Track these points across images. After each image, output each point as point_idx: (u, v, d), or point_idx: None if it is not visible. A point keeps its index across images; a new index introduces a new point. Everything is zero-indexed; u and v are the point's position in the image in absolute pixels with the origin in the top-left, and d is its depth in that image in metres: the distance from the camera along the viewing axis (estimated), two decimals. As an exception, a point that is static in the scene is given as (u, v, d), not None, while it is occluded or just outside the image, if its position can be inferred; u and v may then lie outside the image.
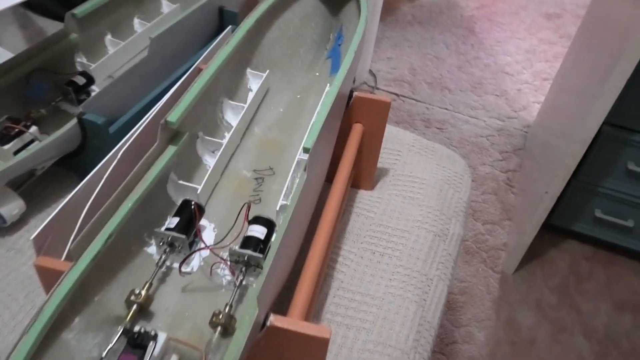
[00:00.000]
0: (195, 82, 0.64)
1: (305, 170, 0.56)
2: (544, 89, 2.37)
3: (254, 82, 0.81)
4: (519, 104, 2.30)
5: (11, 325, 0.64)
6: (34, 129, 0.76)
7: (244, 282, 0.56)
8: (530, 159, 1.87)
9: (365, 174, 0.85)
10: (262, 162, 0.73)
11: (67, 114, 0.83)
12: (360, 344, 0.64)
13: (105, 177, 0.57)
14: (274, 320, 0.47)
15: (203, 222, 0.64)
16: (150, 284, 0.53)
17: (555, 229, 1.69)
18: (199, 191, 0.62)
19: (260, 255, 0.55)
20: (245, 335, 0.43)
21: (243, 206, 0.59)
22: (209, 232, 0.63)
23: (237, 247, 0.56)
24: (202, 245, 0.56)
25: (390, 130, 0.97)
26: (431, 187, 0.86)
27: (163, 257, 0.56)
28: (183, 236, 0.56)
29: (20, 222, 0.73)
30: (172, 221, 0.58)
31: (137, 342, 0.43)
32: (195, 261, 0.59)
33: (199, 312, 0.55)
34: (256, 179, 0.71)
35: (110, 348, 0.43)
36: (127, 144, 0.60)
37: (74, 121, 0.74)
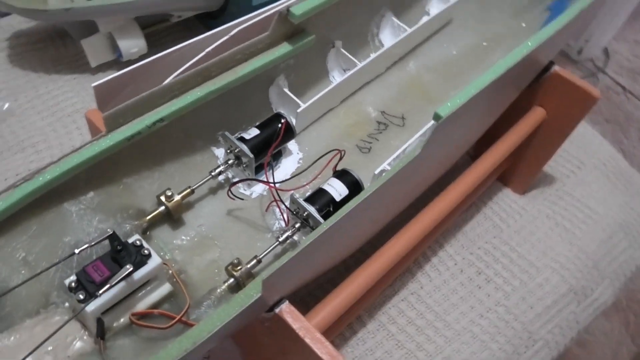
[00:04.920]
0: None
1: (423, 146, 0.40)
2: None
3: (436, 4, 0.63)
4: None
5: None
6: (181, -31, 0.68)
7: (295, 239, 0.45)
8: None
9: (521, 172, 0.65)
10: (397, 106, 0.57)
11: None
12: (402, 371, 0.50)
13: (206, 51, 0.47)
14: (285, 310, 0.36)
15: (291, 146, 0.52)
16: (192, 191, 0.44)
17: None
18: (299, 109, 0.50)
19: (323, 221, 0.42)
20: (231, 314, 0.32)
21: (331, 152, 0.45)
22: (291, 161, 0.51)
23: (301, 198, 0.44)
24: (265, 177, 0.45)
25: (583, 131, 0.72)
26: (600, 228, 0.63)
27: (221, 167, 0.46)
28: (251, 156, 0.45)
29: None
30: (251, 132, 0.47)
31: (119, 256, 0.35)
32: (258, 187, 0.48)
33: (230, 247, 0.45)
34: (379, 122, 0.56)
35: (90, 246, 0.35)
36: (249, 23, 0.49)
37: (220, -26, 0.65)
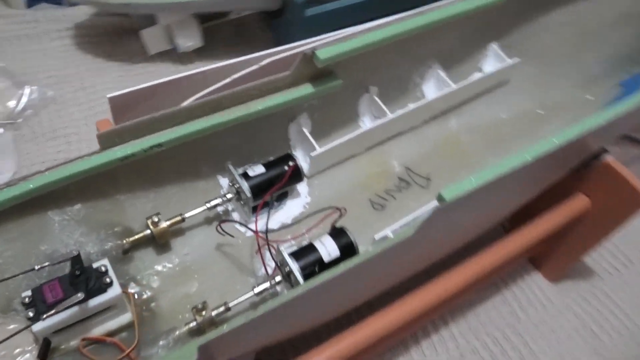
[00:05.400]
0: (393, 23, 0.46)
1: (417, 228, 0.35)
2: None
3: (492, 62, 0.58)
4: None
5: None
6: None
7: (277, 289, 0.42)
8: None
9: (557, 258, 0.59)
10: (425, 165, 0.53)
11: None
12: None
13: (232, 77, 0.46)
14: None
15: (301, 188, 0.49)
16: (183, 220, 0.43)
17: None
18: (313, 153, 0.47)
19: (301, 282, 0.39)
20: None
21: (328, 210, 0.42)
22: (297, 204, 0.49)
23: (287, 252, 0.41)
24: (255, 223, 0.43)
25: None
26: (635, 342, 0.55)
27: (218, 200, 0.44)
28: (248, 195, 0.43)
29: (190, 56, 0.69)
30: (257, 169, 0.45)
31: (77, 280, 0.34)
32: (254, 226, 0.46)
33: (208, 284, 0.43)
34: (401, 179, 0.52)
35: (51, 265, 0.34)
36: (282, 55, 0.47)
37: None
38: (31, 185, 0.36)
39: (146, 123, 0.39)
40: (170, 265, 0.43)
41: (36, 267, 0.34)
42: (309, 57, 0.42)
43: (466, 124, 0.57)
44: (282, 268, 0.41)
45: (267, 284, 0.40)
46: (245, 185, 0.44)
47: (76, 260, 0.34)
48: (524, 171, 0.39)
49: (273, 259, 0.42)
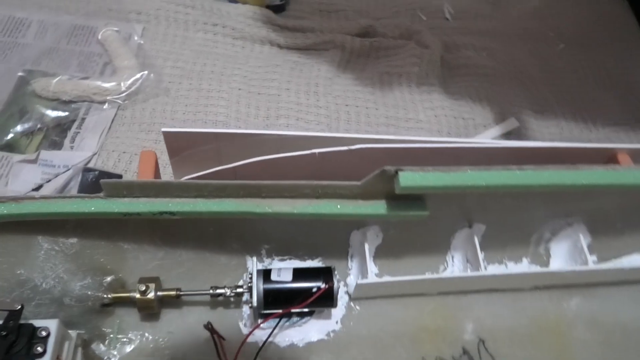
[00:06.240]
0: (529, 168, 0.33)
1: None
2: None
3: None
4: None
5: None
6: None
7: None
8: None
9: None
10: (506, 346, 0.40)
11: None
12: None
13: (312, 150, 0.38)
14: None
15: (335, 310, 0.39)
16: (178, 297, 0.36)
17: None
18: (360, 281, 0.37)
19: None
20: None
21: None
22: (319, 328, 0.39)
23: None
24: (238, 350, 0.34)
25: None
26: None
27: (226, 290, 0.36)
28: (254, 305, 0.35)
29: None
30: (284, 273, 0.36)
31: (4, 340, 0.29)
32: (259, 332, 0.38)
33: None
34: (466, 352, 0.39)
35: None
36: (380, 145, 0.37)
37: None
38: (15, 211, 0.31)
39: (158, 186, 0.32)
40: (149, 338, 0.37)
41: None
42: (389, 176, 0.32)
43: (591, 313, 0.41)
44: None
45: None
46: (258, 289, 0.35)
47: (12, 316, 0.29)
48: None
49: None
